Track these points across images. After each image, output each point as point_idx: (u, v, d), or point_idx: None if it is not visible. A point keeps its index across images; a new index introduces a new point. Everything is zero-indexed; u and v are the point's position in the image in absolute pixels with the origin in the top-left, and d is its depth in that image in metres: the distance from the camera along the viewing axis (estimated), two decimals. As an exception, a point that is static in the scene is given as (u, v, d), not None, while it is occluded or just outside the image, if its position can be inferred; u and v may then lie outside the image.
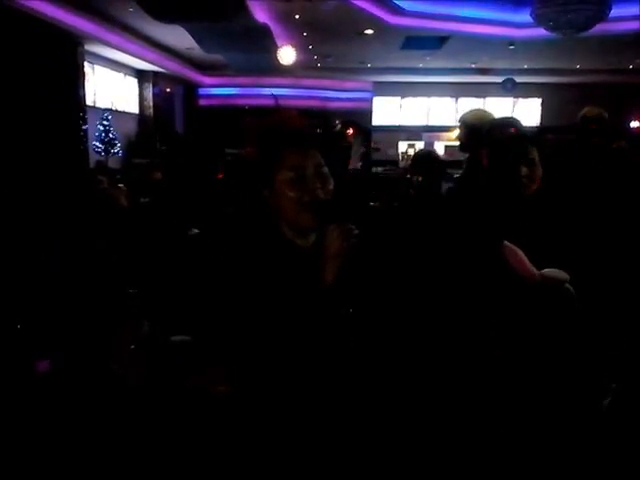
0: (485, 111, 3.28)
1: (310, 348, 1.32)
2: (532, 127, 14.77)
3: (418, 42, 12.09)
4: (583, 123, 3.61)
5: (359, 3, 9.53)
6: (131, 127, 14.57)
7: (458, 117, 3.30)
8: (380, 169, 13.35)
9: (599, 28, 8.70)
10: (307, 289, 1.32)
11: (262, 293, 1.34)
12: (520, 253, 1.73)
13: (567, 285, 1.72)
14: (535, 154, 2.03)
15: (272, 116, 1.46)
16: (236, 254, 1.41)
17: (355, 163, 14.73)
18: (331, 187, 1.41)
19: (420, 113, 17.96)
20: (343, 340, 1.37)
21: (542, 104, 17.58)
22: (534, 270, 1.72)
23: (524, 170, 1.99)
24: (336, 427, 1.37)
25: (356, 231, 1.33)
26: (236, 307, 1.36)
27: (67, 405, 2.18)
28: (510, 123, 2.16)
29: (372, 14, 10.09)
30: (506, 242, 1.74)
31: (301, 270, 1.36)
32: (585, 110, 3.68)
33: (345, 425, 1.38)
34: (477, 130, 2.83)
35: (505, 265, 1.71)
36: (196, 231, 2.93)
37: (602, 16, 8.20)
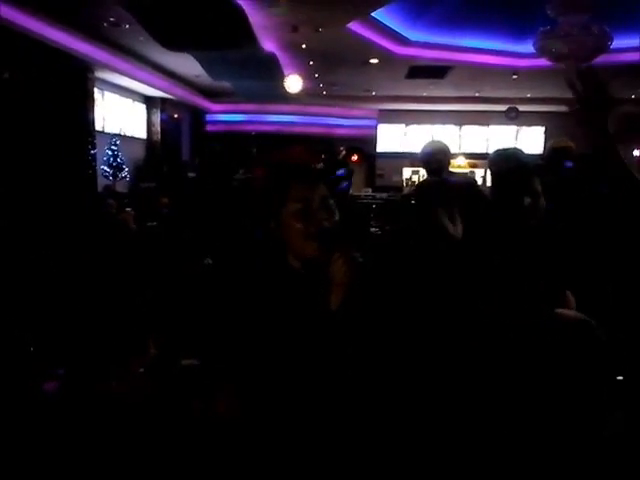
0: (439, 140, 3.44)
1: (315, 372, 1.35)
2: (534, 155, 14.87)
3: (422, 71, 12.27)
4: (552, 154, 3.65)
5: (365, 33, 9.71)
6: (139, 152, 14.73)
7: (462, 144, 3.40)
8: (384, 195, 13.43)
9: (600, 58, 8.81)
10: (312, 315, 1.35)
11: (267, 320, 1.38)
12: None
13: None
14: (538, 185, 2.07)
15: (281, 151, 1.53)
16: (243, 282, 1.46)
17: (360, 188, 14.85)
18: (336, 218, 1.45)
19: (424, 140, 18.02)
20: (347, 362, 1.40)
21: (545, 132, 17.69)
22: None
23: (527, 200, 2.03)
24: (339, 445, 1.40)
25: (360, 259, 1.36)
26: (242, 332, 1.40)
27: (67, 425, 2.19)
28: (513, 154, 2.21)
29: (378, 44, 10.27)
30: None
31: (306, 298, 1.40)
32: (553, 142, 3.73)
33: (348, 442, 1.40)
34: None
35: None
36: (210, 261, 2.98)
37: (603, 47, 8.31)
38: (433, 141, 3.33)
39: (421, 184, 3.98)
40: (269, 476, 1.40)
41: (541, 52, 8.65)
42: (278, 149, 1.57)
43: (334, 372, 1.37)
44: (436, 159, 3.15)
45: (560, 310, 1.71)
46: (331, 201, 1.46)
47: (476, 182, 3.01)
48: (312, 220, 1.41)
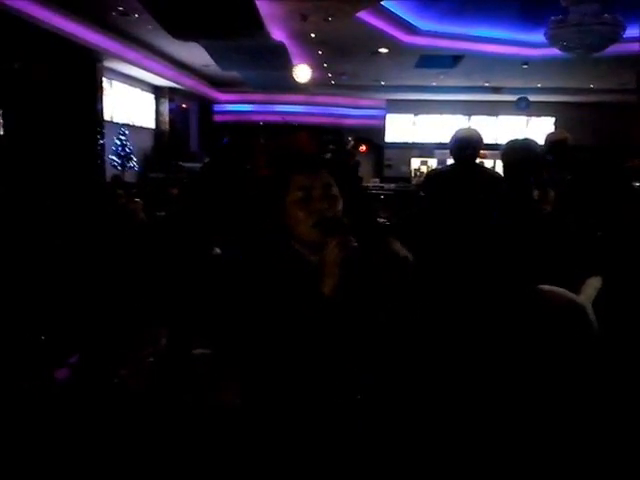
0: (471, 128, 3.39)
1: (317, 358, 1.34)
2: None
3: (432, 61, 12.18)
4: (552, 147, 3.60)
5: (375, 22, 9.65)
6: (147, 142, 14.76)
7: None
8: (393, 185, 13.37)
9: (613, 48, 8.71)
10: (312, 301, 1.34)
11: (275, 307, 1.37)
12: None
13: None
14: (546, 175, 2.05)
15: (283, 138, 1.51)
16: (250, 269, 1.45)
17: (369, 179, 14.80)
18: (340, 207, 1.43)
19: (433, 130, 17.98)
20: (350, 354, 1.39)
21: (555, 123, 17.53)
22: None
23: (536, 193, 2.01)
24: (344, 439, 1.40)
25: (355, 243, 1.34)
26: (249, 320, 1.39)
27: (77, 412, 2.22)
28: (524, 145, 2.18)
29: (387, 33, 10.20)
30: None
31: (312, 284, 1.38)
32: (550, 135, 3.68)
33: (354, 437, 1.40)
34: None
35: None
36: (218, 251, 2.98)
37: (616, 37, 8.21)
38: (468, 128, 3.24)
39: (429, 175, 3.96)
40: (272, 467, 1.40)
41: (552, 42, 8.56)
42: (281, 136, 1.54)
43: (332, 359, 1.36)
44: (472, 146, 3.06)
45: (551, 289, 1.69)
46: (335, 189, 1.44)
47: (502, 179, 2.90)
48: (314, 209, 1.40)
